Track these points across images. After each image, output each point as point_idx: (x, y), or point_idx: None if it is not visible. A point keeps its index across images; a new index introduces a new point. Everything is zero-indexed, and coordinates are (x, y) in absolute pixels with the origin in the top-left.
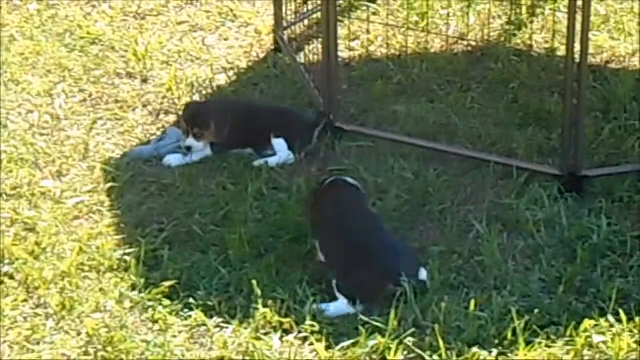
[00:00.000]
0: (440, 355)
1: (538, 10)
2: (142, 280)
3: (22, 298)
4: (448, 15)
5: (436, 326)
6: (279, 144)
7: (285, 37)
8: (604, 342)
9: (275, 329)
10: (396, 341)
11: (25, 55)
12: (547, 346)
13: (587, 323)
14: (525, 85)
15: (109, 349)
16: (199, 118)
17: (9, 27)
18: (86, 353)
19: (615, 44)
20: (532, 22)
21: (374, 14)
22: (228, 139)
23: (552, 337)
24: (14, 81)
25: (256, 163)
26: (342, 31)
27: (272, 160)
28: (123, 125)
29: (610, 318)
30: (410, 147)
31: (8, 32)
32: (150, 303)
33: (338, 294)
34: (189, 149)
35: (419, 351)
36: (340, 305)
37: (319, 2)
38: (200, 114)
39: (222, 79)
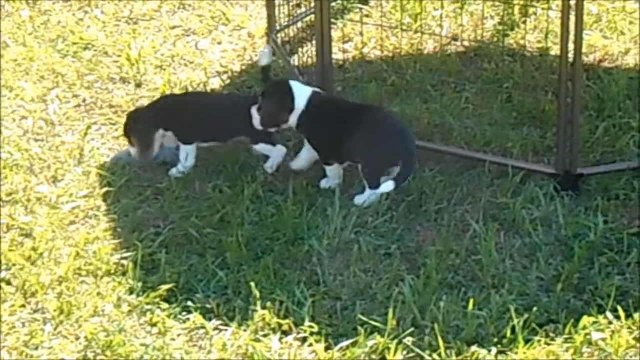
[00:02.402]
0: (439, 354)
1: (530, 10)
2: (140, 284)
3: (20, 303)
4: (441, 16)
5: (435, 325)
6: (263, 148)
7: (279, 40)
8: (603, 339)
9: (274, 330)
10: (395, 341)
11: (18, 61)
12: (546, 344)
13: (586, 320)
14: (519, 85)
15: (108, 352)
16: (125, 128)
17: (1, 33)
18: (85, 357)
19: (607, 43)
20: (524, 22)
21: (366, 15)
22: (194, 134)
23: (551, 334)
24: (7, 87)
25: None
26: (335, 33)
27: (267, 166)
28: (117, 130)
29: (609, 315)
30: None
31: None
32: (148, 306)
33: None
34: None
35: (418, 350)
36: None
37: (311, 4)
38: (127, 123)
39: (215, 83)
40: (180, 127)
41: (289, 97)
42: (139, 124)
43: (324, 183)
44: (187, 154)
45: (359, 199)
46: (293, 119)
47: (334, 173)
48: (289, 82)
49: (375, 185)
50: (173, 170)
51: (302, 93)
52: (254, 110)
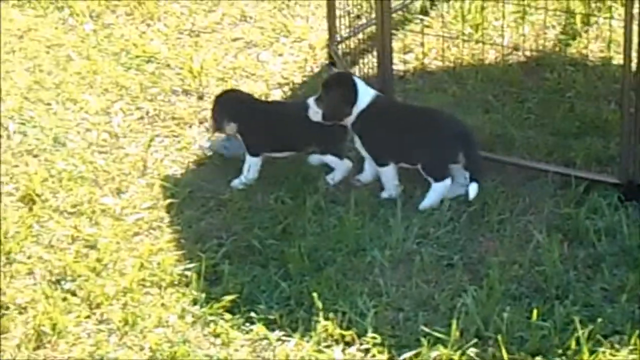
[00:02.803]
0: None
1: (592, 20)
2: (203, 295)
3: (85, 314)
4: (502, 26)
5: (498, 336)
6: (329, 159)
7: (339, 51)
8: None
9: (337, 342)
10: (459, 352)
11: (82, 74)
12: (612, 355)
13: None
14: (582, 95)
15: None
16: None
17: (65, 47)
18: None
19: None
20: (586, 32)
21: (427, 26)
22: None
23: (616, 346)
24: (71, 100)
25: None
26: (396, 44)
27: (330, 177)
28: (180, 142)
29: None
30: None
31: (64, 52)
32: (212, 317)
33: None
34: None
35: None
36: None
37: (372, 15)
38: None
39: (277, 95)
40: (252, 135)
41: (353, 91)
42: (220, 110)
43: (385, 194)
44: (251, 166)
45: (422, 205)
46: (352, 116)
47: (389, 176)
48: (352, 77)
49: (440, 177)
50: (236, 182)
51: (365, 91)
52: (312, 103)
